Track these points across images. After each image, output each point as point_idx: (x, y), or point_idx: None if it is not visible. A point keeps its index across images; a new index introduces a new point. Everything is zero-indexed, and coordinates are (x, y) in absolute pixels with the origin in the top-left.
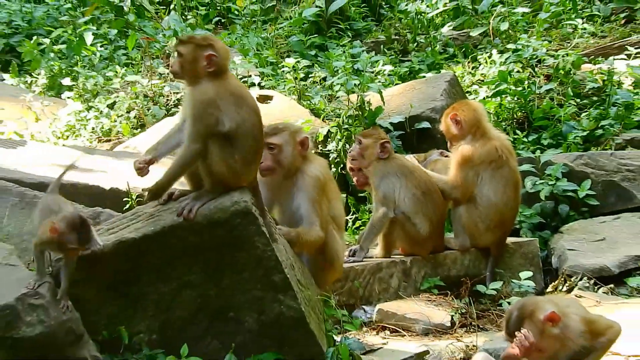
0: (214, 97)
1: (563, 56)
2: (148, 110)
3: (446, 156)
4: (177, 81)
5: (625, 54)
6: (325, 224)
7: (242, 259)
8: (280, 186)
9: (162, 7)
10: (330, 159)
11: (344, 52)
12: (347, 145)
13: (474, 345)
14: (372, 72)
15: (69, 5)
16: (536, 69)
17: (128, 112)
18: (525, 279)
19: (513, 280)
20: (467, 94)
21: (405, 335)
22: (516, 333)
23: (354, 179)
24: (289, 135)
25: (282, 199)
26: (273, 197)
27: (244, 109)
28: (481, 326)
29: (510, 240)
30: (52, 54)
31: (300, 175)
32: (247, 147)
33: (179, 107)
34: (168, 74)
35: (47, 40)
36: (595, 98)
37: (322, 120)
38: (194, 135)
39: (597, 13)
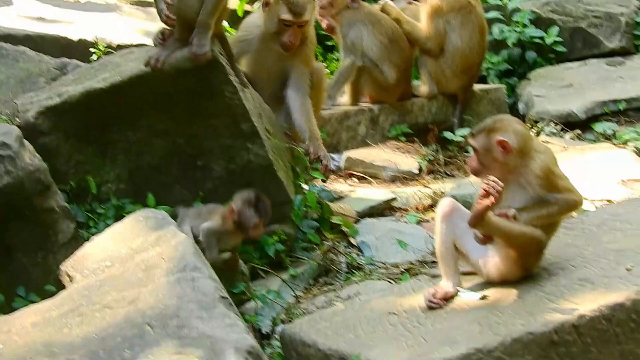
0: None
1: None
2: None
3: (413, 3)
4: None
5: None
6: None
7: (210, 107)
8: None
9: None
10: None
11: None
12: None
13: (441, 192)
14: None
15: None
16: None
17: None
18: None
19: None
20: None
21: (372, 183)
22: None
23: (323, 24)
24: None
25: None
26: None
27: None
28: (448, 172)
29: (477, 87)
30: None
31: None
32: None
33: None
34: None
35: None
36: None
37: None
38: None
39: None
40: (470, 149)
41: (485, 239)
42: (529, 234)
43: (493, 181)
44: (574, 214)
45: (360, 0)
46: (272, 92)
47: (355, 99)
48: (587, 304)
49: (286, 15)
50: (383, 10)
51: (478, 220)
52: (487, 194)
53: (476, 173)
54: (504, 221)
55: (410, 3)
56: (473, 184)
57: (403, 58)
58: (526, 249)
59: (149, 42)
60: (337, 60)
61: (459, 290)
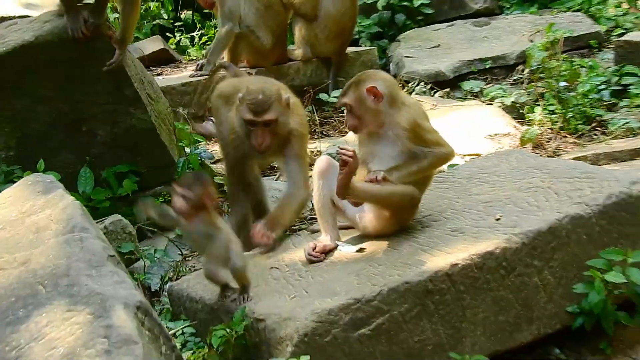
0: None
1: None
2: None
3: None
4: None
5: None
6: None
7: (93, 73)
8: None
9: None
10: None
11: None
12: None
13: (318, 151)
14: None
15: None
16: None
17: None
18: None
19: None
20: None
21: None
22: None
23: (201, 2)
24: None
25: None
26: None
27: None
28: (324, 132)
29: (350, 49)
30: None
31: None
32: None
33: None
34: None
35: None
36: None
37: None
38: None
39: None
40: (345, 109)
41: (358, 203)
42: (399, 192)
43: (344, 149)
44: (445, 167)
45: None
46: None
47: (234, 64)
48: (459, 253)
49: (247, 115)
50: None
51: (344, 191)
52: (344, 163)
53: (355, 129)
54: (370, 186)
55: None
56: (348, 143)
57: (278, 23)
58: (399, 206)
59: (31, 13)
60: (216, 28)
61: (337, 244)
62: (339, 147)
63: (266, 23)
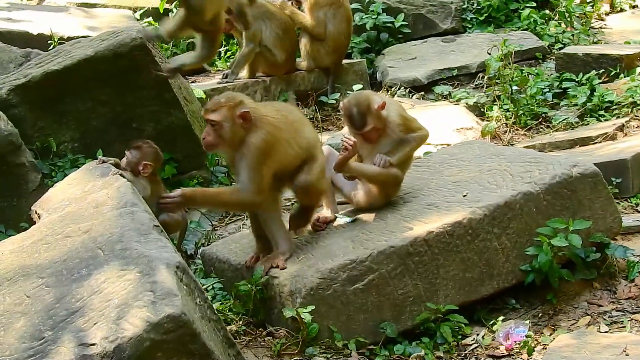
0: None
1: None
2: None
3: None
4: None
5: None
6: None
7: (140, 81)
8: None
9: None
10: None
11: None
12: None
13: (320, 142)
14: None
15: None
16: None
17: None
18: (356, 90)
19: (348, 92)
20: None
21: None
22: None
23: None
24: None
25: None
26: None
27: None
28: (325, 128)
29: (345, 61)
30: None
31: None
32: None
33: None
34: None
35: None
36: None
37: None
38: None
39: None
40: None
41: (351, 177)
42: (385, 173)
43: (348, 138)
44: (421, 154)
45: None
46: None
47: (252, 74)
48: (433, 223)
49: (202, 111)
50: (281, 7)
51: (340, 167)
52: (346, 148)
53: (377, 139)
54: (362, 165)
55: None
56: (344, 135)
57: (291, 43)
58: (384, 184)
59: (91, 33)
60: (237, 45)
61: (336, 216)
62: (344, 136)
63: (282, 44)
